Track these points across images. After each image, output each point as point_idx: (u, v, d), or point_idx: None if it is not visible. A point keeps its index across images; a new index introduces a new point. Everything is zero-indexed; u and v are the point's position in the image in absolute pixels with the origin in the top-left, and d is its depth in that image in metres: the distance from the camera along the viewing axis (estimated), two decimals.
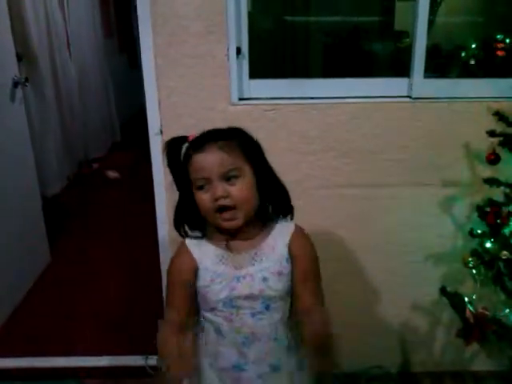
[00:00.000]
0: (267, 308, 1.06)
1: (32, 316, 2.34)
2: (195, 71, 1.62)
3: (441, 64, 1.98)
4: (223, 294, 1.05)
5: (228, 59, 1.61)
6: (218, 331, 1.10)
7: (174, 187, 1.11)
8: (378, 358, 1.95)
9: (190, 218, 1.09)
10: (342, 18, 2.38)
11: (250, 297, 1.05)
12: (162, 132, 1.68)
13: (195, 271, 1.07)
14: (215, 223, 1.04)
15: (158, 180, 1.74)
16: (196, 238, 1.11)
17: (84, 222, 3.42)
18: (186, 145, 1.05)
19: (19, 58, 2.78)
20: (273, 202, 1.09)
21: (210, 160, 1.00)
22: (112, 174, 4.37)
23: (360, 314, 1.89)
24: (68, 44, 4.19)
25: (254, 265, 1.05)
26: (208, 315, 1.11)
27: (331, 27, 2.41)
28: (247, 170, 1.02)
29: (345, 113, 1.69)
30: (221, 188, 0.99)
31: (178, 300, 1.10)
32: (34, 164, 2.70)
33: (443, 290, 1.63)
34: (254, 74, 1.72)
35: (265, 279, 1.05)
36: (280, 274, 1.06)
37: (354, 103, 1.70)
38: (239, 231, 1.05)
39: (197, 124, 1.60)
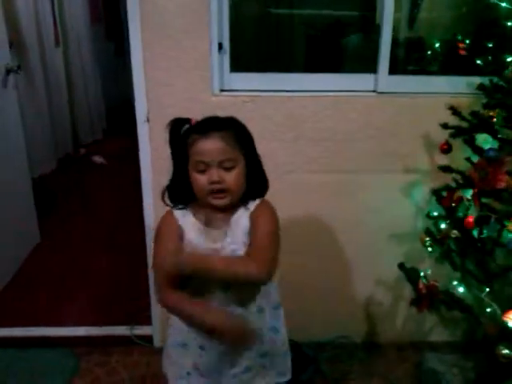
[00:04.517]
0: None
1: (24, 290, 2.48)
2: (179, 64, 1.75)
3: (420, 58, 2.13)
4: None
5: (210, 54, 1.75)
6: (198, 289, 1.24)
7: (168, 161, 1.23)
8: (344, 328, 2.13)
9: (179, 189, 1.24)
10: (324, 11, 2.42)
11: None
12: (148, 120, 1.83)
13: (181, 234, 1.22)
14: (205, 201, 1.19)
15: (144, 164, 1.88)
16: (181, 208, 1.25)
17: (71, 204, 3.55)
18: (186, 126, 1.20)
19: (9, 45, 2.85)
20: (254, 186, 1.24)
21: (213, 148, 1.15)
22: (98, 159, 4.48)
23: (329, 289, 2.08)
24: (56, 30, 4.26)
25: (226, 240, 1.20)
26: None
27: (312, 20, 2.48)
28: (241, 161, 1.19)
29: (317, 105, 1.85)
30: (217, 174, 1.15)
31: (172, 244, 1.19)
32: (25, 147, 2.81)
33: (401, 266, 1.80)
34: (236, 67, 1.86)
35: (233, 251, 1.20)
36: (246, 245, 1.20)
37: (326, 96, 1.86)
38: (220, 208, 1.21)
39: (181, 113, 1.74)
